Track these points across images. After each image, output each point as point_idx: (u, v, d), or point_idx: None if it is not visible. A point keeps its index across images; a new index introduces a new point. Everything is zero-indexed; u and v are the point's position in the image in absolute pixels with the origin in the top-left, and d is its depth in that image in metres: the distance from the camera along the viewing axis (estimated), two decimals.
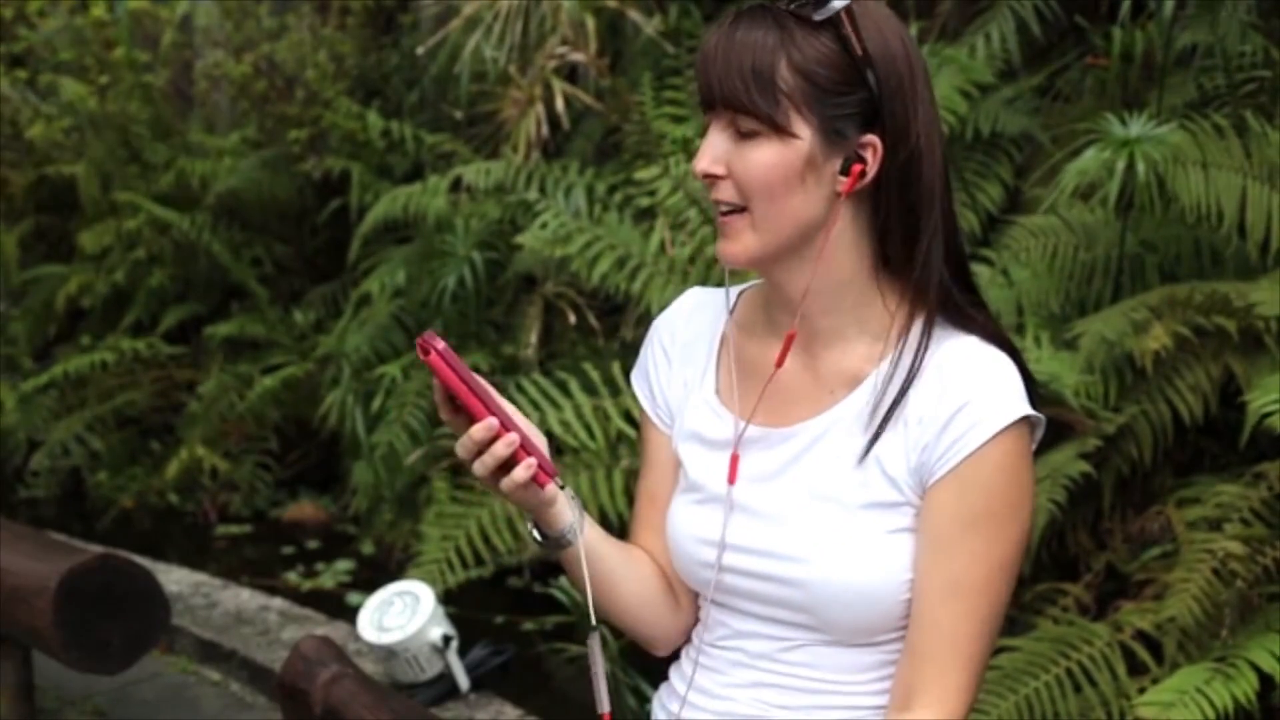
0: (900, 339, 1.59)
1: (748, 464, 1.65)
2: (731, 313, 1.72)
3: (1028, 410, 1.56)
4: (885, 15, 1.57)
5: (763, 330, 1.68)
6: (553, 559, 1.73)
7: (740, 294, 1.74)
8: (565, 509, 1.66)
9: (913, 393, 1.57)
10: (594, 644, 1.64)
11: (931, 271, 1.58)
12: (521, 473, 1.59)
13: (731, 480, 1.65)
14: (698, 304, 1.77)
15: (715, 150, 1.57)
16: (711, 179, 1.57)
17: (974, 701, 1.59)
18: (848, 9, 1.53)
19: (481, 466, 1.59)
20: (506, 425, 1.58)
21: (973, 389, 1.55)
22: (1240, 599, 2.94)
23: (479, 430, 1.57)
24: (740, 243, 1.58)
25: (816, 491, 1.60)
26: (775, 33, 1.53)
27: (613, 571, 1.74)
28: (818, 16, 1.53)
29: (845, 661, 1.62)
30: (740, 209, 1.57)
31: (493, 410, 1.57)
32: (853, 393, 1.61)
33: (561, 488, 1.64)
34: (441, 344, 1.55)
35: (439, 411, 1.60)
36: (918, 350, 1.58)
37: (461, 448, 1.59)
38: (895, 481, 1.57)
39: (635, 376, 1.81)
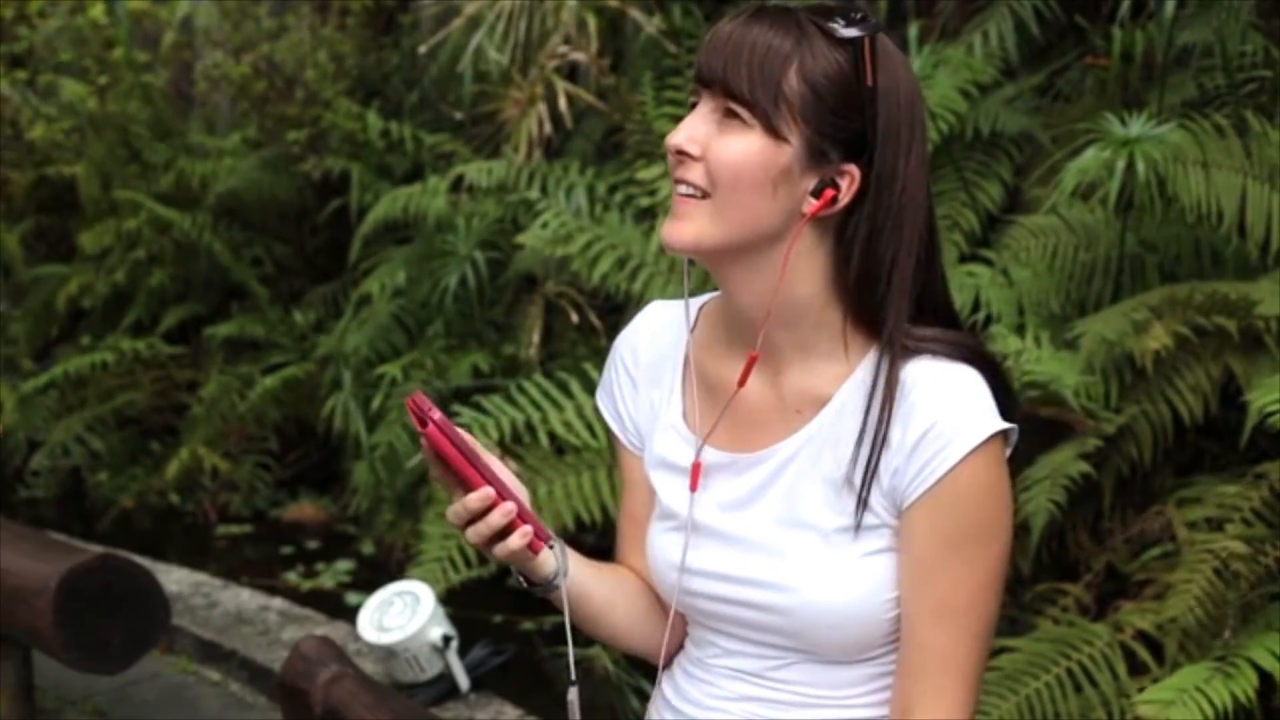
0: (859, 363, 1.57)
1: (718, 491, 1.63)
2: (692, 330, 1.69)
3: (997, 425, 1.52)
4: (904, 64, 1.55)
5: (723, 348, 1.64)
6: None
7: (701, 308, 1.70)
8: (549, 558, 1.64)
9: (877, 418, 1.54)
10: (572, 699, 1.63)
11: (895, 320, 1.54)
12: (517, 541, 1.57)
13: (693, 488, 1.63)
14: (660, 320, 1.73)
15: (695, 130, 1.53)
16: (683, 156, 1.54)
17: (975, 708, 1.58)
18: (871, 38, 1.51)
19: (475, 535, 1.56)
20: (502, 494, 1.55)
21: (938, 410, 1.51)
22: (1242, 599, 2.94)
23: (474, 500, 1.55)
24: (691, 226, 1.54)
25: (791, 517, 1.58)
26: (795, 35, 1.51)
27: (604, 602, 1.72)
28: (841, 34, 1.51)
29: (837, 677, 1.60)
30: (702, 195, 1.53)
31: (489, 479, 1.54)
32: (819, 413, 1.58)
33: (551, 548, 1.62)
34: (438, 414, 1.51)
35: (431, 471, 1.58)
36: (876, 375, 1.55)
37: (454, 515, 1.57)
38: (870, 505, 1.55)
39: (600, 397, 1.77)
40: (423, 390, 1.57)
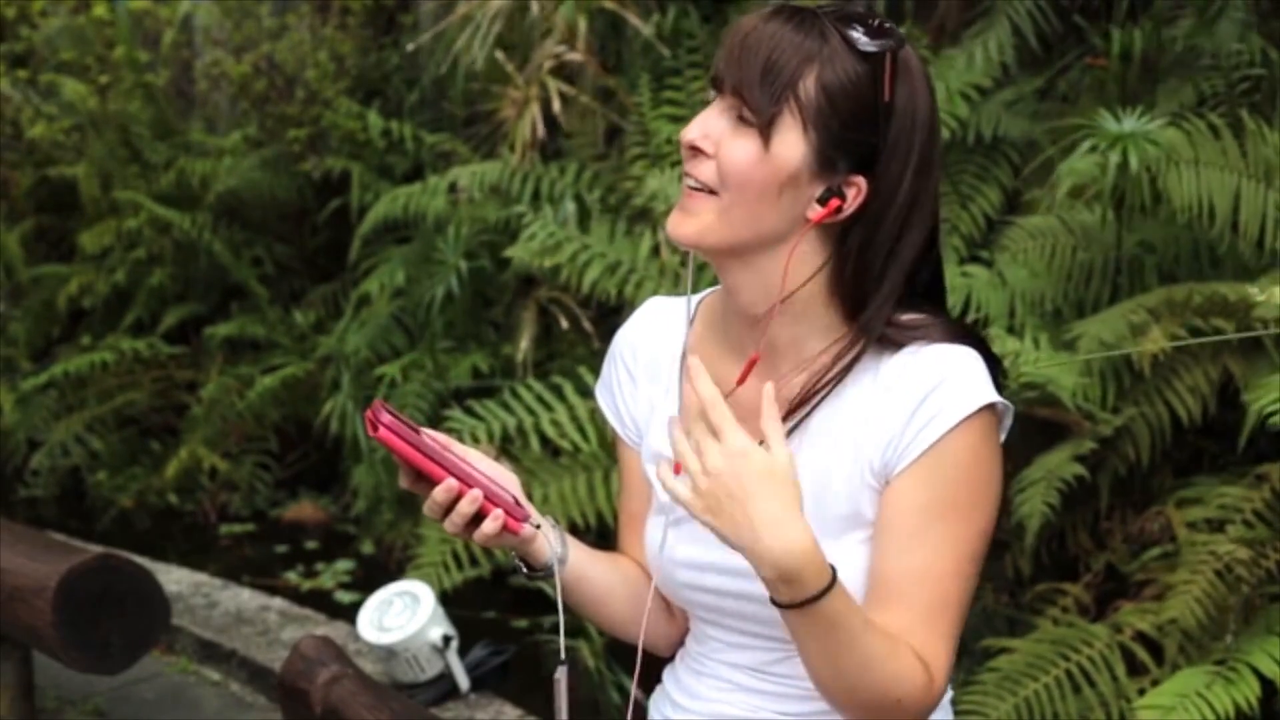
0: (851, 358, 1.57)
1: None
2: (691, 324, 1.70)
3: (991, 397, 1.53)
4: (923, 80, 1.54)
5: (720, 344, 1.65)
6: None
7: (699, 304, 1.71)
8: (546, 543, 1.66)
9: (874, 400, 1.55)
10: (560, 679, 1.65)
11: (878, 319, 1.55)
12: (490, 526, 1.58)
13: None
14: (658, 316, 1.74)
15: (709, 126, 1.53)
16: (695, 152, 1.54)
17: (951, 669, 1.54)
18: (894, 53, 1.50)
19: (452, 525, 1.59)
20: (467, 482, 1.58)
21: (936, 377, 1.52)
22: (1243, 602, 2.94)
23: (440, 494, 1.57)
24: (696, 221, 1.54)
25: None
26: (816, 41, 1.50)
27: (605, 590, 1.74)
28: (865, 47, 1.50)
29: None
30: (710, 191, 1.54)
31: (450, 470, 1.57)
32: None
33: (537, 527, 1.64)
34: (387, 416, 1.54)
35: (400, 481, 1.60)
36: (848, 359, 1.56)
37: (429, 510, 1.59)
38: (871, 489, 1.55)
39: (600, 393, 1.78)
40: (383, 400, 1.59)
